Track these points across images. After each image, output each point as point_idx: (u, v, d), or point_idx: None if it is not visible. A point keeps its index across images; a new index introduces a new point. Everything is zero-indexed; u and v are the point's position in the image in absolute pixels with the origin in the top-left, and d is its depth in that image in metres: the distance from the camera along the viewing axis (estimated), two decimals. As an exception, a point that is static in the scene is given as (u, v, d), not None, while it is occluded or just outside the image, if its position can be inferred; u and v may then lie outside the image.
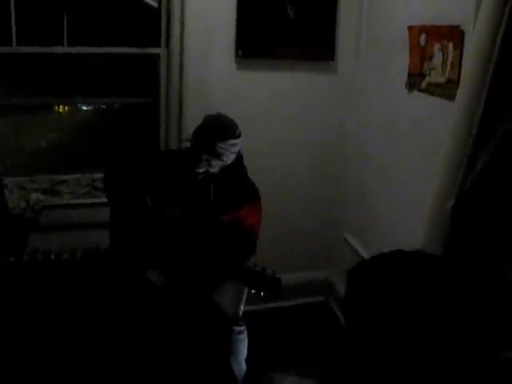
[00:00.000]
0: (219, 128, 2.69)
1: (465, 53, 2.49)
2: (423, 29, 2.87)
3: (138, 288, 2.84)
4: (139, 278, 2.82)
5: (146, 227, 2.71)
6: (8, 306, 3.20)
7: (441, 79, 2.71)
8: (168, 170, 2.80)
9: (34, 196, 3.39)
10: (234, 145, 2.69)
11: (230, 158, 2.72)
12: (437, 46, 2.74)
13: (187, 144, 2.88)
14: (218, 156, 2.66)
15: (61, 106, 4.03)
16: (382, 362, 1.08)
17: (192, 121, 3.09)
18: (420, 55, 2.91)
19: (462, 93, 2.24)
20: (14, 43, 3.28)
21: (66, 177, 3.63)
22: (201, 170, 2.69)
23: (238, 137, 2.72)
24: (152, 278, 2.82)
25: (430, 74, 2.82)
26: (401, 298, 1.08)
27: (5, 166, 3.29)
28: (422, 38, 2.87)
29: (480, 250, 2.13)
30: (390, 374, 1.08)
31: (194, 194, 2.75)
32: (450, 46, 2.62)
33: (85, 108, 4.11)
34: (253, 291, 2.51)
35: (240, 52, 3.50)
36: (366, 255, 3.50)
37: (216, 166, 2.71)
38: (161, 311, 2.84)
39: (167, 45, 3.41)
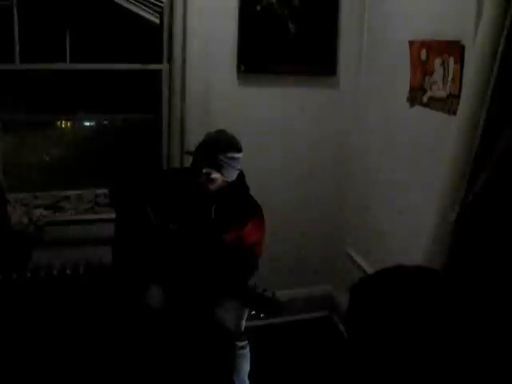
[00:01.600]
0: (219, 141, 2.71)
1: (465, 67, 2.50)
2: (424, 43, 2.88)
3: (138, 309, 2.85)
4: (137, 301, 2.83)
5: (149, 243, 2.71)
6: (11, 322, 3.19)
7: (442, 94, 2.71)
8: (171, 188, 2.79)
9: (36, 212, 3.39)
10: (234, 159, 2.69)
11: (230, 174, 2.71)
12: (437, 61, 2.75)
13: (188, 157, 2.89)
14: (218, 168, 2.66)
15: (63, 122, 4.05)
16: (384, 378, 1.07)
17: (194, 136, 3.11)
18: (421, 70, 2.92)
19: (463, 107, 2.25)
20: (17, 60, 3.30)
21: (68, 193, 3.64)
22: (200, 181, 2.69)
23: (239, 151, 2.72)
24: (151, 302, 2.82)
25: (431, 89, 2.83)
26: (403, 315, 1.07)
27: (8, 182, 3.29)
28: (423, 52, 2.88)
29: (483, 264, 2.12)
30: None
31: (196, 213, 2.75)
32: (451, 60, 2.63)
33: (87, 124, 4.13)
34: (252, 312, 2.51)
35: (242, 68, 3.52)
36: (369, 270, 3.49)
37: (216, 181, 2.70)
38: (162, 327, 2.83)
39: (169, 61, 3.43)
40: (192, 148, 2.87)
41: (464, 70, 2.52)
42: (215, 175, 2.67)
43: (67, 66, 3.45)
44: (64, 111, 3.81)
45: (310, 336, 3.87)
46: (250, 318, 2.89)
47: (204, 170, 2.66)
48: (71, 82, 3.65)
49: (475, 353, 1.08)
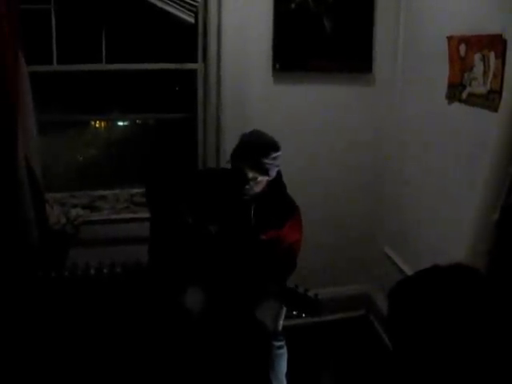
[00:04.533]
0: (261, 144, 2.65)
1: (507, 62, 2.43)
2: (463, 39, 2.81)
3: (176, 309, 2.87)
4: (175, 304, 2.84)
5: (185, 244, 2.71)
6: (49, 320, 3.24)
7: (482, 90, 2.64)
8: (209, 188, 2.78)
9: (73, 211, 3.43)
10: (277, 157, 2.66)
11: (274, 173, 2.70)
12: (477, 56, 2.68)
13: (224, 156, 2.88)
14: (266, 172, 2.63)
15: (99, 122, 4.08)
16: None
17: (230, 135, 3.10)
18: (460, 66, 2.85)
19: (506, 103, 2.19)
20: (54, 62, 3.34)
21: (104, 192, 3.68)
22: (247, 187, 2.66)
23: (279, 149, 2.69)
24: (187, 304, 2.82)
25: (470, 85, 2.76)
26: (446, 320, 1.04)
27: (45, 182, 3.33)
28: (462, 48, 2.82)
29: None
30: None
31: (235, 213, 2.73)
32: (492, 55, 2.55)
33: (122, 124, 4.16)
34: (294, 313, 2.49)
35: (277, 65, 3.50)
36: (406, 269, 3.45)
37: (261, 183, 2.68)
38: (201, 327, 2.84)
39: (204, 60, 3.43)
40: (228, 145, 2.85)
41: (506, 64, 2.45)
42: (262, 178, 2.65)
43: (103, 66, 3.48)
44: (100, 111, 3.85)
45: (347, 335, 3.84)
46: (288, 317, 2.88)
47: (250, 176, 2.63)
48: (107, 82, 3.68)
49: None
